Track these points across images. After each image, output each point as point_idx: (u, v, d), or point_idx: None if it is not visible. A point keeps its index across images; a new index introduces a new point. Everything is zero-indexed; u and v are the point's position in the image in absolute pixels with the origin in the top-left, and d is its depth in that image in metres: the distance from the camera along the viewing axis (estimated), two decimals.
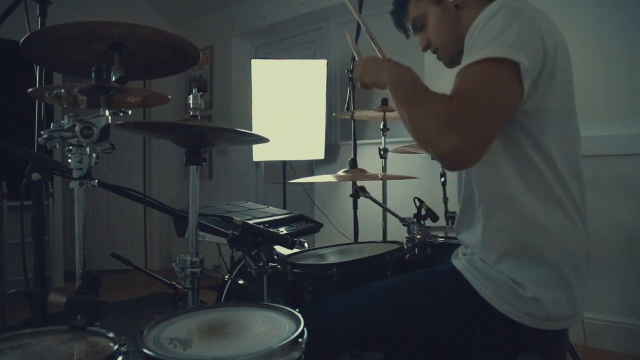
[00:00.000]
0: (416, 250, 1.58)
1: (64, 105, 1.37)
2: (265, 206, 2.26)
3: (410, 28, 1.25)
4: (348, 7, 1.42)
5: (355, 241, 2.51)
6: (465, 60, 0.93)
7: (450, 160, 0.91)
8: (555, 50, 0.97)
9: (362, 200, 2.38)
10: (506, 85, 0.91)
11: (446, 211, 2.24)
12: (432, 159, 0.96)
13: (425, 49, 1.25)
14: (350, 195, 2.41)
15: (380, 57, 1.28)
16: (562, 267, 1.00)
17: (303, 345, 0.85)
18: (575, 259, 1.02)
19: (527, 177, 1.00)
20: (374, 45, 1.35)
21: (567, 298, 1.01)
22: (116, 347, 0.82)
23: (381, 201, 2.50)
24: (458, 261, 1.11)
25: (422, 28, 1.22)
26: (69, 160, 1.18)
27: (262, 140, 1.30)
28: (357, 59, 1.27)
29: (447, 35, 1.18)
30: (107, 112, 1.17)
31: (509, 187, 1.00)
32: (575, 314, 1.03)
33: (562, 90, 1.00)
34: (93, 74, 1.17)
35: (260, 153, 3.42)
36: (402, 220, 1.89)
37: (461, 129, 0.87)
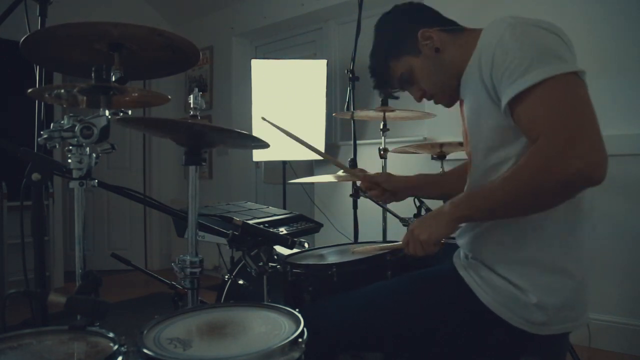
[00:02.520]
0: None
1: (64, 105, 1.37)
2: (265, 206, 2.26)
3: (399, 85, 1.23)
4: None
5: (355, 241, 2.51)
6: (514, 89, 0.91)
7: (586, 180, 0.85)
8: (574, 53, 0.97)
9: (362, 200, 2.38)
10: (581, 92, 0.90)
11: None
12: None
13: (420, 99, 1.23)
14: (350, 195, 2.41)
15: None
16: (569, 271, 1.00)
17: (303, 345, 0.85)
18: (581, 261, 1.02)
19: None
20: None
21: (573, 301, 1.01)
22: (116, 347, 0.82)
23: None
24: (460, 263, 1.10)
25: (412, 82, 1.20)
26: (69, 160, 1.18)
27: (262, 145, 1.30)
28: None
29: (440, 79, 1.16)
30: (107, 112, 1.17)
31: None
32: (579, 317, 1.03)
33: None
34: (93, 74, 1.17)
35: (260, 153, 3.42)
36: (402, 220, 1.89)
37: (574, 152, 0.83)
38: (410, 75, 1.18)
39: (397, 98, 1.28)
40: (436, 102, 1.23)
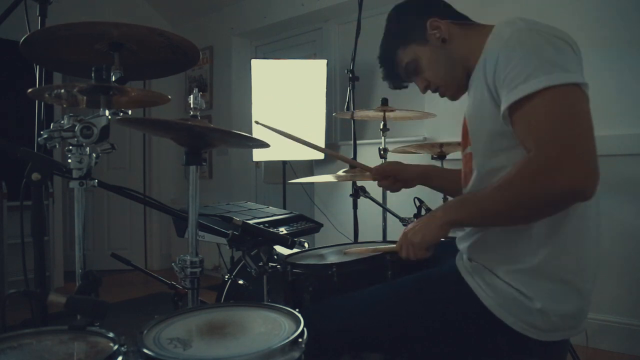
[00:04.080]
0: None
1: (64, 105, 1.37)
2: (265, 206, 2.26)
3: (405, 75, 1.23)
4: None
5: (355, 241, 2.51)
6: (514, 95, 0.90)
7: (573, 196, 0.86)
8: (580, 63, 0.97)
9: (362, 200, 2.38)
10: (582, 105, 0.90)
11: None
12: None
13: (425, 90, 1.23)
14: (350, 195, 2.41)
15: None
16: (575, 282, 0.99)
17: (303, 345, 0.85)
18: (588, 271, 1.02)
19: None
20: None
21: (576, 310, 1.00)
22: (116, 347, 0.82)
23: (381, 201, 2.50)
24: (462, 265, 1.09)
25: (417, 71, 1.20)
26: (69, 160, 1.18)
27: (262, 145, 1.30)
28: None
29: (444, 71, 1.17)
30: (107, 112, 1.17)
31: None
32: (579, 324, 1.03)
33: None
34: (93, 74, 1.17)
35: (260, 153, 3.42)
36: (402, 220, 1.89)
37: (562, 168, 0.83)
38: (416, 64, 1.19)
39: (406, 87, 1.29)
40: (441, 95, 1.23)
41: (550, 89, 0.87)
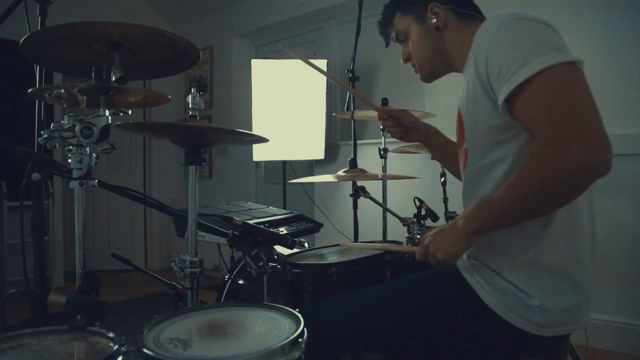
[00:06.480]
0: None
1: (64, 105, 1.37)
2: (265, 206, 2.26)
3: (394, 37, 1.27)
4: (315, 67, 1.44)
5: (355, 241, 2.51)
6: (510, 84, 0.89)
7: (591, 173, 0.83)
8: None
9: (362, 200, 2.38)
10: (580, 82, 0.89)
11: (446, 211, 2.24)
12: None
13: (405, 61, 1.27)
14: (350, 195, 2.41)
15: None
16: (572, 274, 0.99)
17: (303, 345, 0.85)
18: (584, 264, 1.02)
19: None
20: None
21: (575, 304, 1.00)
22: (116, 347, 0.82)
23: (381, 201, 2.50)
24: (462, 265, 1.10)
25: (404, 41, 1.24)
26: (69, 160, 1.18)
27: (261, 140, 1.30)
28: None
29: (426, 54, 1.20)
30: (107, 112, 1.17)
31: None
32: (581, 319, 1.03)
33: None
34: (93, 74, 1.17)
35: (260, 153, 3.42)
36: (402, 220, 1.89)
37: (573, 148, 0.81)
38: (406, 36, 1.23)
39: (387, 44, 1.32)
40: (416, 72, 1.27)
41: (547, 70, 0.87)
